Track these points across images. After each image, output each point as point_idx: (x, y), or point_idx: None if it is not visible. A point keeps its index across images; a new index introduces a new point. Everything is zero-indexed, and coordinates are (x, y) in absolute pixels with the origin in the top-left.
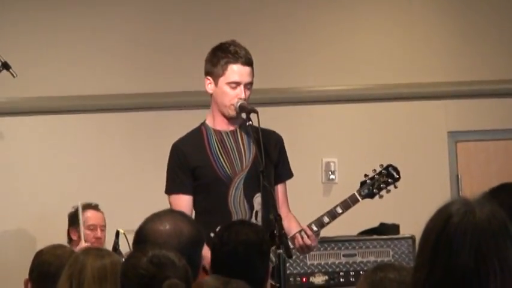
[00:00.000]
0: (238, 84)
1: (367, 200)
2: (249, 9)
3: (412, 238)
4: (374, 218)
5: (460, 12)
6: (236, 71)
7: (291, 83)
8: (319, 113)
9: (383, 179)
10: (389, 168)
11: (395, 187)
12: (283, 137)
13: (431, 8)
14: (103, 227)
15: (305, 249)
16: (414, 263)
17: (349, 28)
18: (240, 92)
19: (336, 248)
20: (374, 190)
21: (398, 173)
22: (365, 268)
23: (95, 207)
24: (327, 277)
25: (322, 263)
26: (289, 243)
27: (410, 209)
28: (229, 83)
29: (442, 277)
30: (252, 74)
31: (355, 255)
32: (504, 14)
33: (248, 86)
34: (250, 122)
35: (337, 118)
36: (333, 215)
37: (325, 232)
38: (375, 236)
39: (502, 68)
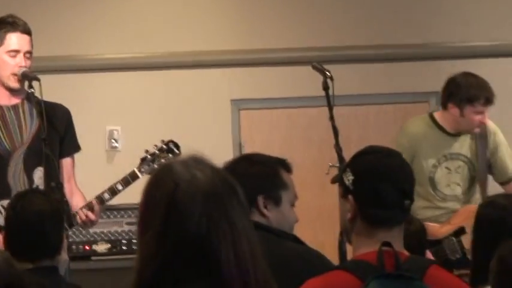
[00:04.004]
0: (17, 52)
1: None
2: None
3: None
4: None
5: None
6: (15, 40)
7: (74, 50)
8: (102, 81)
9: (164, 155)
10: (170, 144)
11: None
12: (67, 105)
13: None
14: None
15: (88, 224)
16: (140, 228)
17: None
18: (20, 61)
19: (118, 216)
20: (155, 166)
21: (179, 148)
22: None
23: None
24: (109, 245)
25: (105, 231)
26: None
27: None
28: (8, 52)
29: (173, 248)
30: (31, 43)
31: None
32: None
33: (28, 54)
34: (33, 90)
35: (121, 86)
36: (113, 191)
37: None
38: None
39: (285, 36)
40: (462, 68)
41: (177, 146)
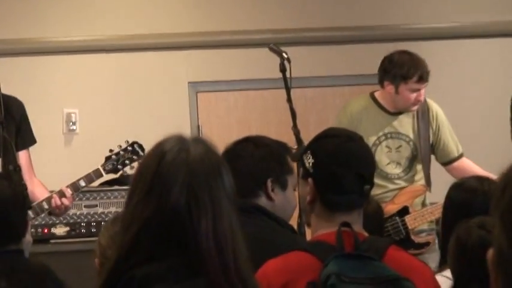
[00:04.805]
0: None
1: (110, 148)
2: None
3: None
4: None
5: None
6: None
7: (30, 33)
8: (59, 64)
9: (128, 156)
10: (135, 145)
11: None
12: (24, 88)
13: None
14: None
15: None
16: (128, 197)
17: None
18: None
19: (77, 199)
20: (118, 166)
21: (143, 150)
22: (106, 219)
23: None
24: (68, 228)
25: None
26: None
27: None
28: None
29: (154, 214)
30: None
31: (96, 206)
32: None
33: None
34: None
35: (78, 68)
36: (76, 187)
37: (67, 183)
38: (116, 187)
39: (242, 18)
40: (419, 50)
41: (141, 147)
